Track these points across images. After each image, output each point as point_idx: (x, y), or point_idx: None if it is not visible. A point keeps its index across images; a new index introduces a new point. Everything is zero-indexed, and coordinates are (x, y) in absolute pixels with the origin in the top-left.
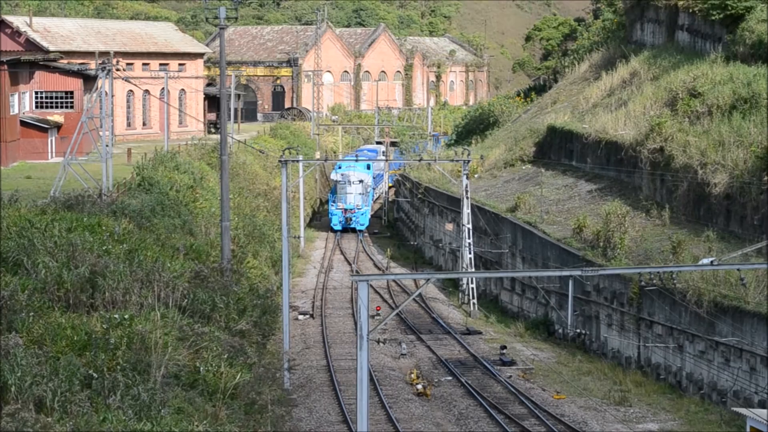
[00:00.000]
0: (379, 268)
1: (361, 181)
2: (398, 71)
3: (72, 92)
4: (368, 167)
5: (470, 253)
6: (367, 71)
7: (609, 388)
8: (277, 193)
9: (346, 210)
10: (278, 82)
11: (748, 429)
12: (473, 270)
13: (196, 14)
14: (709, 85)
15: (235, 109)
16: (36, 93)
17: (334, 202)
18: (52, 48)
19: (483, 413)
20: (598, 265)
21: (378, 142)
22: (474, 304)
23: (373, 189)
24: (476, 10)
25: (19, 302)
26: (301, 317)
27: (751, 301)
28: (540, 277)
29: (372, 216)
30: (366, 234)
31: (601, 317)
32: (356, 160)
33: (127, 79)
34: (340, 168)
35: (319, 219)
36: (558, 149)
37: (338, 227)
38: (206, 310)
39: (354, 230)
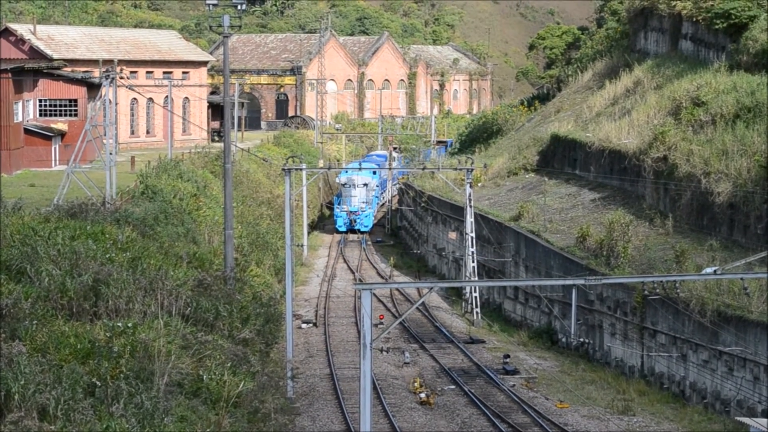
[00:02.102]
0: (382, 277)
1: (365, 185)
2: (402, 79)
3: (76, 100)
4: (374, 172)
5: (473, 261)
6: (370, 79)
7: (612, 397)
8: (281, 202)
9: (350, 212)
10: (282, 90)
11: None
12: (476, 279)
13: (199, 22)
14: (713, 94)
15: (239, 118)
16: (40, 101)
17: (339, 204)
18: (56, 56)
19: (486, 422)
20: (601, 274)
21: (395, 148)
22: (477, 312)
23: (377, 196)
24: (480, 19)
25: (23, 310)
26: (304, 326)
27: (754, 310)
28: (543, 286)
29: (375, 224)
30: (369, 243)
31: (605, 326)
32: (360, 169)
33: (130, 87)
34: (346, 172)
35: (322, 227)
36: (561, 158)
37: (343, 228)
38: (209, 319)
39: (358, 231)
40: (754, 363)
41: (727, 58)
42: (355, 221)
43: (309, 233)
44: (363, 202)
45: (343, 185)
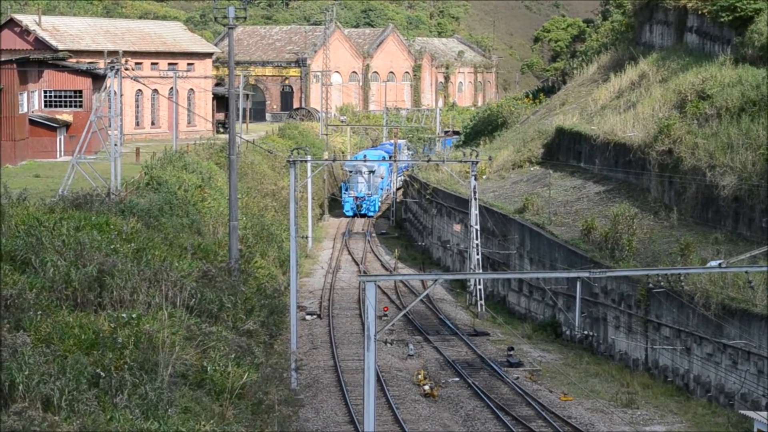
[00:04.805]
0: (386, 269)
1: (372, 172)
2: (407, 72)
3: (81, 91)
4: (383, 158)
5: (478, 254)
6: (375, 72)
7: (616, 390)
8: (285, 193)
9: (357, 198)
10: (287, 82)
11: None
12: (481, 271)
13: (205, 14)
14: (718, 87)
15: (244, 109)
16: (45, 92)
17: (346, 190)
18: (61, 47)
19: (490, 414)
20: (606, 266)
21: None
22: (481, 305)
23: (382, 186)
24: (485, 11)
25: (27, 301)
26: (308, 317)
27: (759, 303)
28: (548, 279)
29: (380, 216)
30: (374, 235)
31: (609, 319)
32: (364, 161)
33: (135, 79)
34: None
35: (326, 221)
36: (566, 151)
37: (350, 213)
38: (214, 310)
39: (364, 216)
40: (758, 356)
41: (733, 52)
42: (361, 206)
43: (320, 217)
44: (369, 189)
45: (351, 172)
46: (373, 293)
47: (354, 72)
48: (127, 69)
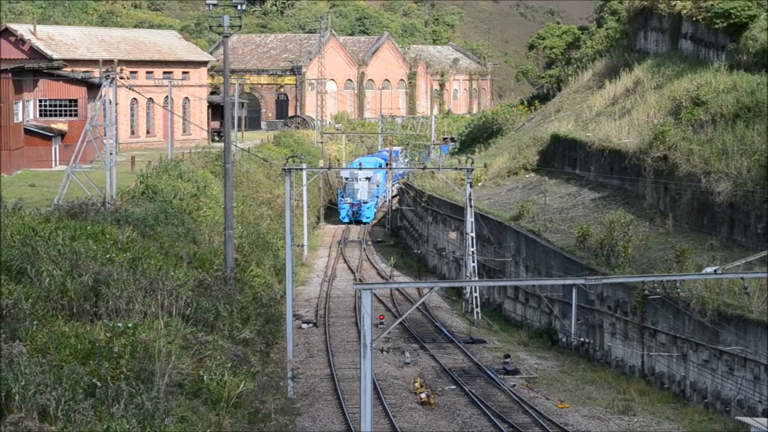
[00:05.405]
0: (382, 277)
1: (368, 179)
2: (402, 79)
3: (76, 100)
4: (380, 166)
5: (474, 261)
6: (370, 79)
7: (613, 397)
8: (281, 202)
9: (353, 204)
10: (282, 90)
11: None
12: (477, 278)
13: (199, 22)
14: (713, 94)
15: (239, 118)
16: (40, 101)
17: (343, 197)
18: (56, 56)
19: (486, 422)
20: (601, 273)
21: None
22: (477, 312)
23: (378, 194)
24: (480, 19)
25: (23, 311)
26: (304, 326)
27: (754, 309)
28: (543, 286)
29: (375, 224)
30: (370, 242)
31: (605, 326)
32: (360, 168)
33: (130, 87)
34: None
35: (321, 228)
36: (561, 158)
37: (346, 220)
38: (210, 319)
39: (360, 222)
40: (754, 362)
41: (727, 58)
42: (357, 213)
43: (316, 225)
44: (365, 195)
45: (347, 179)
46: (369, 301)
47: (349, 80)
48: (122, 78)
